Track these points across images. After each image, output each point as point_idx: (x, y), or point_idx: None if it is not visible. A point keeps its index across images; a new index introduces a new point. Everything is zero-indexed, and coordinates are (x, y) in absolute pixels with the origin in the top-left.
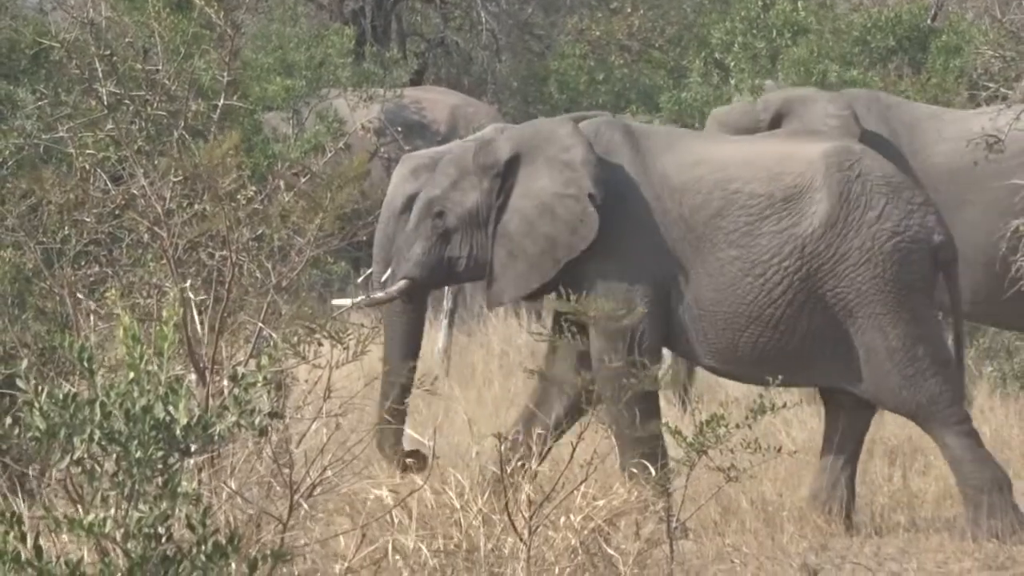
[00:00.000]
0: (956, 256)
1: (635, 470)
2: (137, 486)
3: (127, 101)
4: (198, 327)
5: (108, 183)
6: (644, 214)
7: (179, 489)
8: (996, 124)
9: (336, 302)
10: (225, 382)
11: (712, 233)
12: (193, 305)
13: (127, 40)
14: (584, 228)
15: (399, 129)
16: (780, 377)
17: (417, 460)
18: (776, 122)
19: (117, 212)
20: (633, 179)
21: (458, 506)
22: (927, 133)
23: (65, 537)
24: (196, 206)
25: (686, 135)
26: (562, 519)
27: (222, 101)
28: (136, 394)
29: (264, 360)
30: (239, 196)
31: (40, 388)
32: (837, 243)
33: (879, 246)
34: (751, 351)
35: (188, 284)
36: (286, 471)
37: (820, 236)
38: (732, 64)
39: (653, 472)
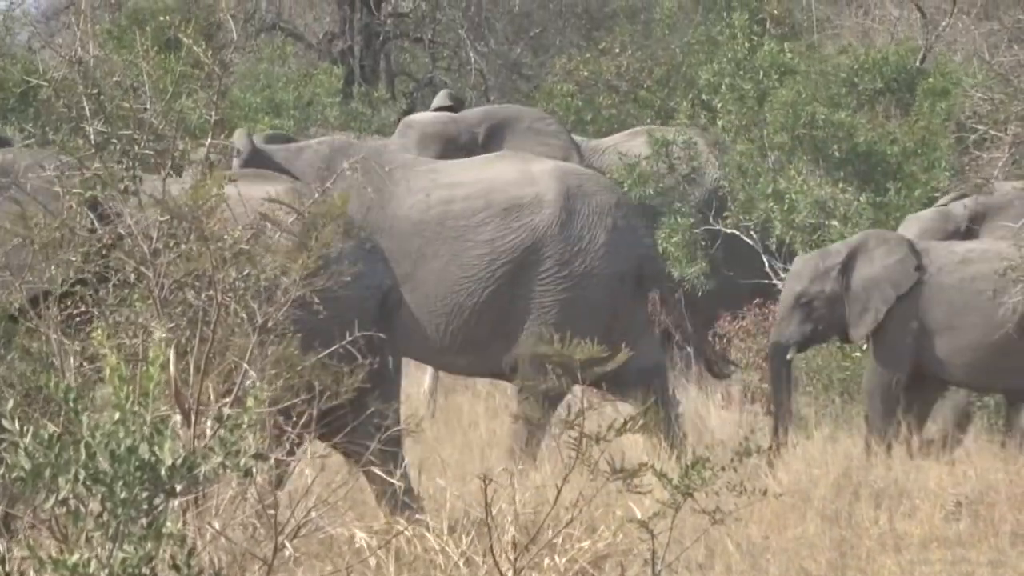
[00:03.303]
0: (401, 301)
1: None
2: (122, 526)
3: (114, 140)
4: (173, 367)
5: (95, 222)
6: None
7: (164, 530)
8: (456, 178)
9: None
10: (210, 423)
11: None
12: (177, 345)
13: (115, 79)
14: None
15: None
16: None
17: None
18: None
19: (103, 252)
20: None
21: (439, 548)
22: (398, 184)
23: None
24: (182, 246)
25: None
26: (547, 561)
27: (209, 140)
28: (121, 434)
29: (250, 401)
30: (225, 236)
31: (25, 428)
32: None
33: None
34: None
35: (173, 325)
36: (271, 512)
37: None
38: (720, 106)
39: None
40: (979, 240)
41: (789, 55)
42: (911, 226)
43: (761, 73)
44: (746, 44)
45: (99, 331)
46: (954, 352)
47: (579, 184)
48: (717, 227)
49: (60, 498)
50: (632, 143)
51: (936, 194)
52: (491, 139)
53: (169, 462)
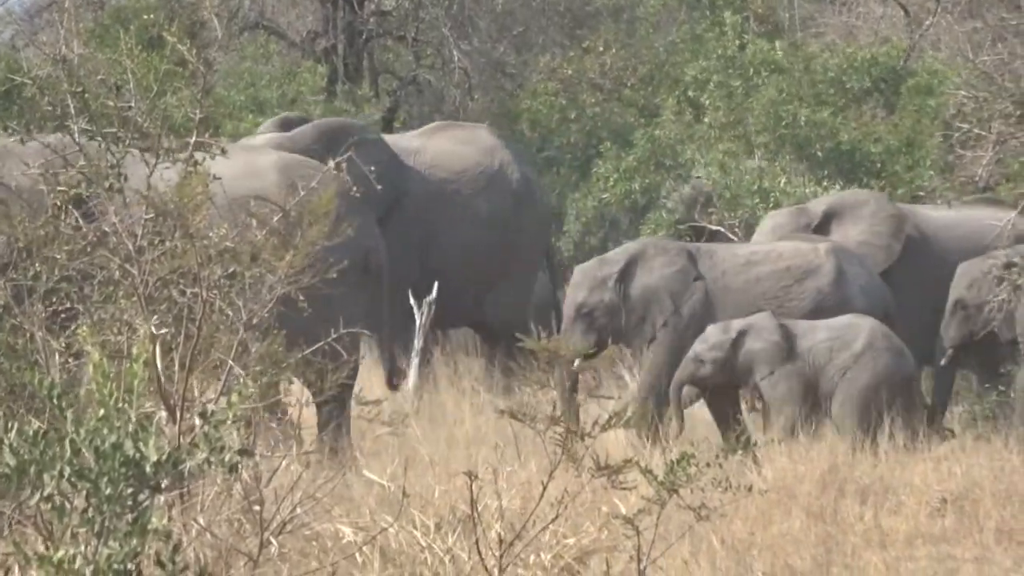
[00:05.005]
0: None
1: None
2: (107, 523)
3: (99, 138)
4: (160, 364)
5: (79, 220)
6: None
7: (149, 526)
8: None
9: None
10: (196, 419)
11: None
12: (163, 342)
13: (99, 77)
14: None
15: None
16: None
17: None
18: None
19: (88, 249)
20: None
21: (425, 544)
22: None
23: (35, 574)
24: (167, 243)
25: None
26: (532, 557)
27: (194, 138)
28: (106, 431)
29: (234, 398)
30: (211, 234)
31: (10, 424)
32: None
33: None
34: None
35: (158, 321)
36: (256, 508)
37: None
38: (707, 102)
39: None
40: (763, 242)
41: (779, 53)
42: (767, 222)
43: (751, 70)
44: (736, 41)
45: (84, 328)
46: None
47: (302, 175)
48: (702, 224)
49: (45, 494)
50: (436, 138)
51: (920, 192)
52: (330, 152)
53: (154, 458)
